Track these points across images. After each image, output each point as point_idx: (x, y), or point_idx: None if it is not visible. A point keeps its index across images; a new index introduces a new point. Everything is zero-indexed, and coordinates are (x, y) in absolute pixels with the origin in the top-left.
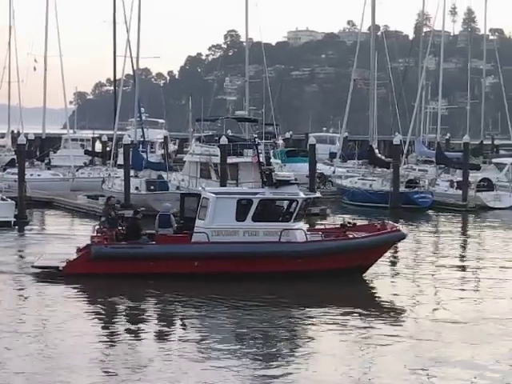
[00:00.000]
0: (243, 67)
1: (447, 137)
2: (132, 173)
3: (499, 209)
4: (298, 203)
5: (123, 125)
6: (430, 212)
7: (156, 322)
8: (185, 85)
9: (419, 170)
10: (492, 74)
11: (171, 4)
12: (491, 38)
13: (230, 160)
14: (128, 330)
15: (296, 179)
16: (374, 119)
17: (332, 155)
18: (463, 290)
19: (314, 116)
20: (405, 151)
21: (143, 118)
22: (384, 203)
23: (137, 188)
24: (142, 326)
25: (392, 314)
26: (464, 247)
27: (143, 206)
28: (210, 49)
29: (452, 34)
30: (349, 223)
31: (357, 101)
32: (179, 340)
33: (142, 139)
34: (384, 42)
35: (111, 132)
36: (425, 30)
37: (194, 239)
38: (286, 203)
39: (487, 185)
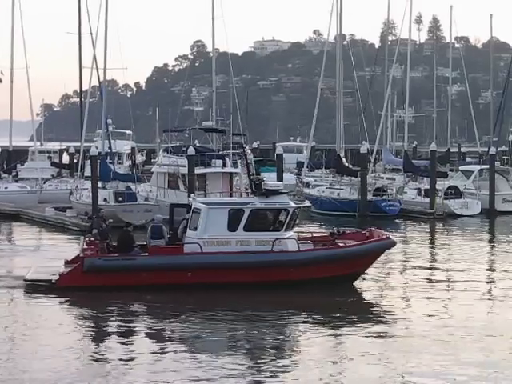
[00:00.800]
0: (210, 78)
1: (414, 145)
2: (100, 184)
3: (467, 216)
4: (288, 212)
5: (90, 136)
6: (398, 220)
7: (143, 329)
8: (152, 96)
9: (387, 178)
10: (458, 82)
11: (138, 15)
12: (457, 46)
13: (198, 170)
14: (114, 335)
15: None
16: (341, 128)
17: (299, 164)
18: (435, 295)
19: (282, 125)
20: (372, 160)
21: (110, 129)
22: (352, 212)
23: (105, 199)
24: (127, 331)
25: (377, 320)
26: (433, 254)
27: (111, 218)
28: (176, 59)
29: (418, 43)
30: (338, 231)
31: (324, 110)
32: (168, 341)
33: (109, 150)
34: (350, 51)
35: (78, 144)
36: (391, 38)
37: (187, 250)
38: (276, 212)
39: (455, 192)
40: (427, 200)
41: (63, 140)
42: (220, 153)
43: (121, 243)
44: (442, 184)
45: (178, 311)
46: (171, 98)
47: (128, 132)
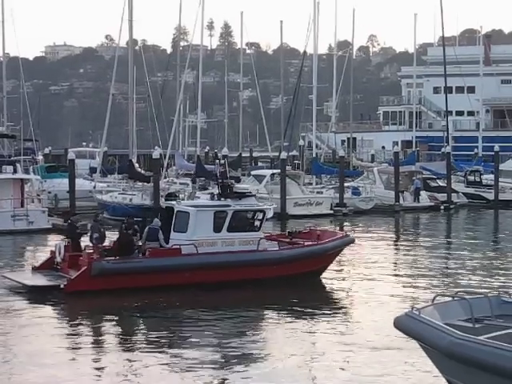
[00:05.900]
0: (0, 82)
1: (206, 150)
2: None
3: None
4: (265, 213)
5: None
6: None
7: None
8: None
9: (180, 183)
10: (249, 88)
11: None
12: (248, 51)
13: None
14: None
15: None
16: (134, 133)
17: (92, 170)
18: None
19: (74, 131)
20: (165, 165)
21: None
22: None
23: None
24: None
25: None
26: None
27: None
28: None
29: (210, 48)
30: (295, 231)
31: (116, 115)
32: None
33: None
34: (142, 57)
35: None
36: (183, 44)
37: (184, 251)
38: (255, 214)
39: None
40: None
41: None
42: (11, 159)
43: (123, 246)
44: None
45: (158, 311)
46: None
47: None
